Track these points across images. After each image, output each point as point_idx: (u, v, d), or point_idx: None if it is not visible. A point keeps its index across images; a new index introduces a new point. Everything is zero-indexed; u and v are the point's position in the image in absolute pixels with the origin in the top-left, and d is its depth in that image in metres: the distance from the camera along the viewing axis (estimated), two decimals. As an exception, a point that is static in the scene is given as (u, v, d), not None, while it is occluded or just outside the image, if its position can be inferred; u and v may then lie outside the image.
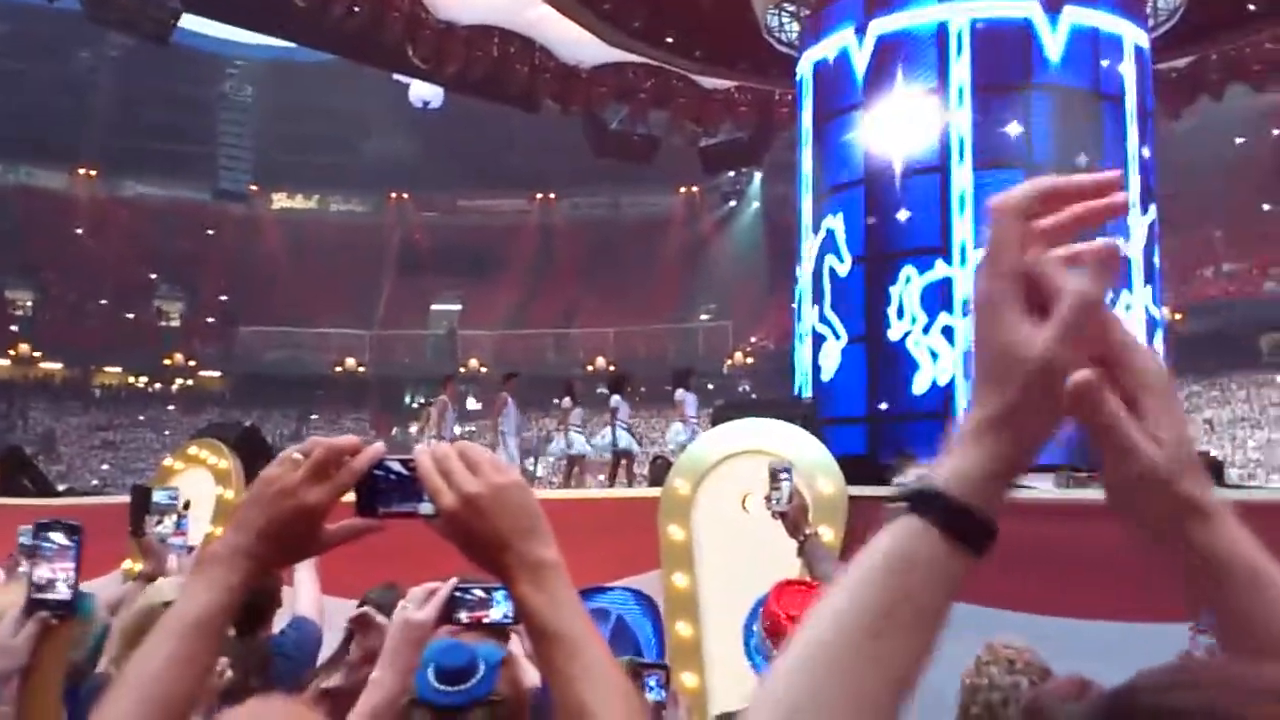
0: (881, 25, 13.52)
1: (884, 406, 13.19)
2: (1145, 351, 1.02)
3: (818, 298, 13.98)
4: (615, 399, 15.89)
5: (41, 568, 2.46)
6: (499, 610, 2.31)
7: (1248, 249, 43.23)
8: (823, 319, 13.88)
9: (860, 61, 13.60)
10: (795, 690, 0.92)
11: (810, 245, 14.11)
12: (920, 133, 13.32)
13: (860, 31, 13.62)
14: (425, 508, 1.36)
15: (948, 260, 12.95)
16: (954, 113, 13.23)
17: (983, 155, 13.10)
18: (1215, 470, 11.07)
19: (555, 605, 1.32)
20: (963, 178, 13.10)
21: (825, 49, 14.14)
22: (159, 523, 5.00)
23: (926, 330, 12.93)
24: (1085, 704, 2.53)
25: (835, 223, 13.67)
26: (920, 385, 12.95)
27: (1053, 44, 13.28)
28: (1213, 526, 1.01)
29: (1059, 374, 0.96)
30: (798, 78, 14.53)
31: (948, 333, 12.82)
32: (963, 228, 13.00)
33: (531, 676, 2.35)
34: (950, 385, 12.80)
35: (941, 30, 13.33)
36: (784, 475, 4.42)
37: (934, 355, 12.89)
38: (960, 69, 13.26)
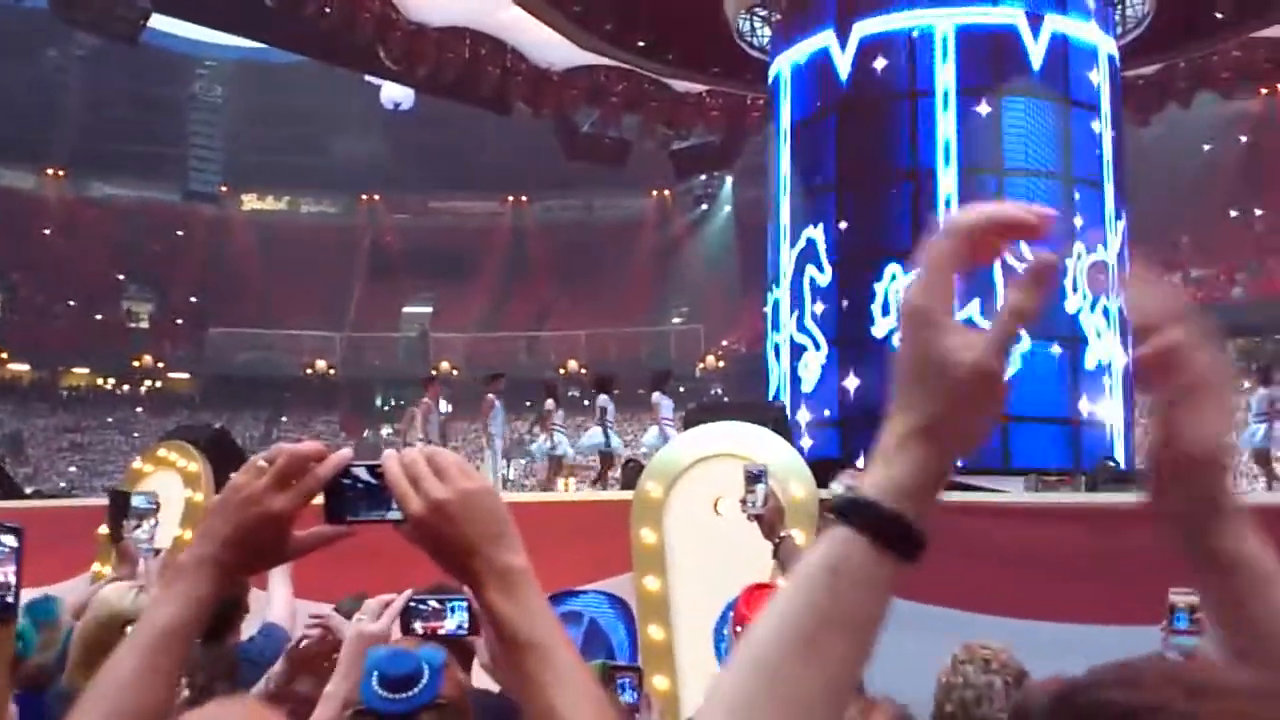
0: (862, 28, 13.52)
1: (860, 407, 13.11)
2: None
3: (797, 307, 13.93)
4: (603, 399, 15.83)
5: None
6: (453, 621, 2.31)
7: (1215, 255, 43.60)
8: (802, 328, 13.83)
9: (843, 65, 13.58)
10: (735, 692, 0.95)
11: (788, 256, 14.04)
12: (902, 136, 13.36)
13: (843, 35, 13.61)
14: (393, 514, 1.35)
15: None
16: (941, 117, 13.27)
17: (965, 160, 13.21)
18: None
19: (525, 612, 1.31)
20: (948, 182, 13.14)
21: (800, 52, 14.13)
22: (137, 527, 4.96)
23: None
24: (1038, 700, 2.55)
25: (815, 233, 13.64)
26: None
27: (1035, 51, 13.38)
28: (1229, 528, 1.06)
29: (989, 384, 0.98)
30: (773, 80, 14.52)
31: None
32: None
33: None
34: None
35: (925, 35, 13.38)
36: (759, 478, 4.44)
37: None
38: (945, 73, 13.29)
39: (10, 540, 2.43)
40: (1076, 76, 13.75)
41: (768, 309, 15.02)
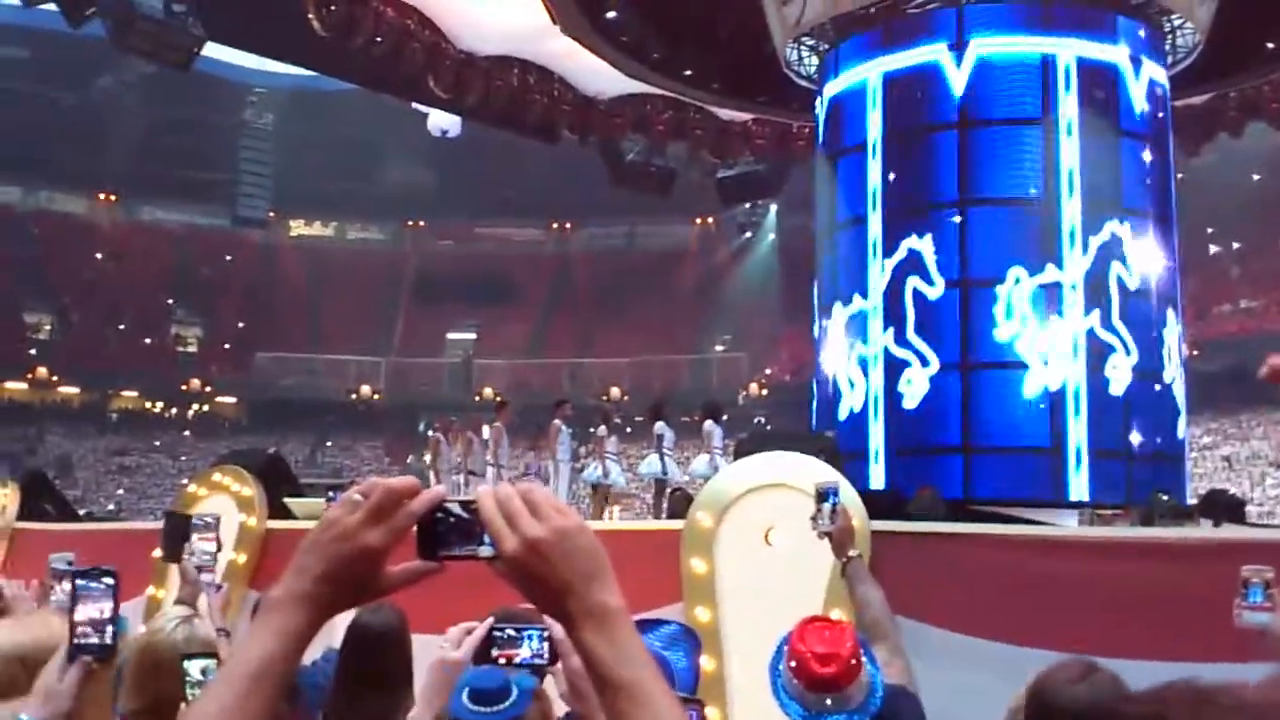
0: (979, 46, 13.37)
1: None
2: None
3: (894, 321, 13.45)
4: (660, 426, 15.82)
5: (82, 612, 2.49)
6: (527, 649, 2.32)
7: (1265, 285, 43.13)
8: (903, 342, 13.36)
9: (958, 81, 13.38)
10: None
11: (880, 265, 13.58)
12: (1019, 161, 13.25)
13: (959, 50, 13.39)
14: (485, 550, 1.35)
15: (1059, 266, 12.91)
16: (1064, 143, 13.21)
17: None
18: (1237, 509, 11.02)
19: (619, 652, 1.31)
20: (1071, 211, 13.08)
21: (900, 60, 13.84)
22: (200, 540, 5.01)
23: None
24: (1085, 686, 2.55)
25: (923, 245, 13.27)
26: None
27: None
28: None
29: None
30: (870, 89, 14.13)
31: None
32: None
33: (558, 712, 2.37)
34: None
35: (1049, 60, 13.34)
36: (830, 495, 4.45)
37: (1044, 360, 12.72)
38: (1069, 104, 13.23)
39: (108, 580, 2.50)
40: (1124, 106, 13.63)
41: (834, 322, 14.51)
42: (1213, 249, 44.41)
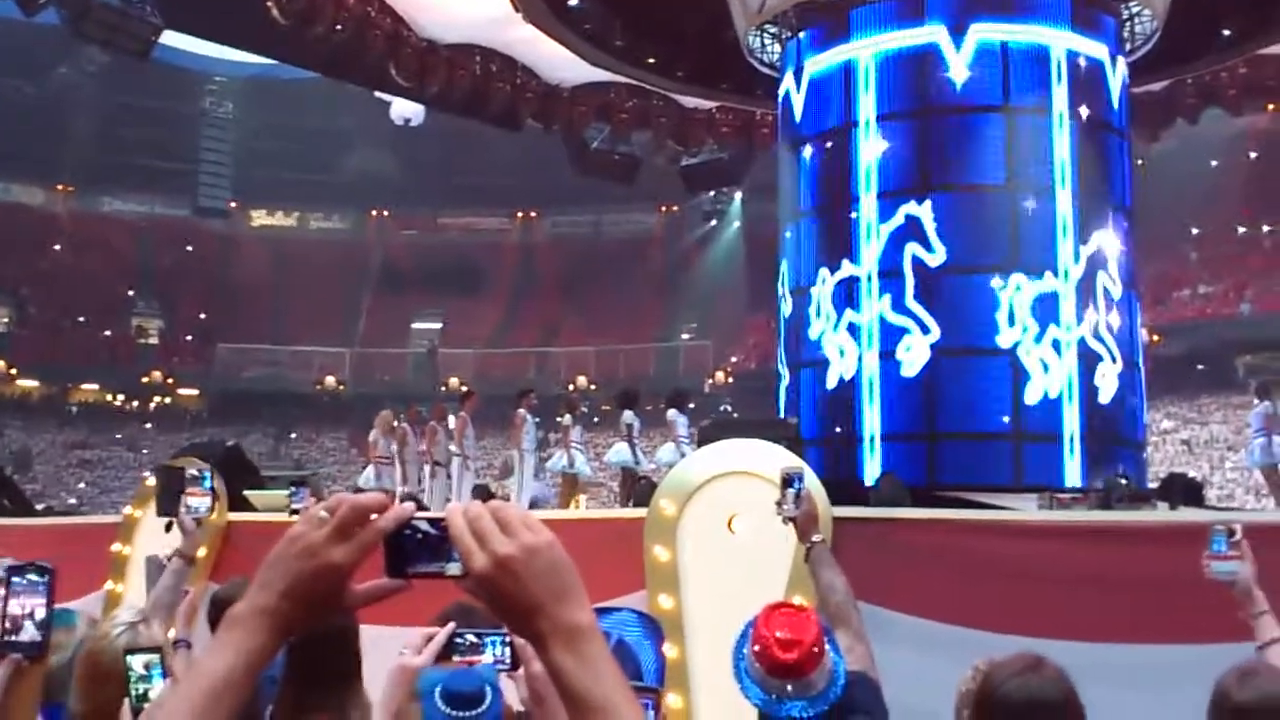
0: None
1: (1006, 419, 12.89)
2: None
3: (890, 288, 13.25)
4: (628, 414, 15.80)
5: (13, 607, 2.46)
6: (490, 655, 2.31)
7: (1224, 271, 43.58)
8: (901, 309, 13.14)
9: (958, 64, 13.34)
10: None
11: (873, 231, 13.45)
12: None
13: (959, 33, 13.35)
14: (453, 568, 1.33)
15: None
16: (1058, 136, 13.34)
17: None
18: (1195, 492, 11.14)
19: (590, 671, 1.29)
20: (1064, 203, 13.19)
21: (895, 40, 13.77)
22: (191, 496, 4.99)
23: (1038, 340, 12.86)
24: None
25: (922, 211, 13.12)
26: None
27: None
28: None
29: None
30: (874, 67, 13.95)
31: (1056, 346, 12.90)
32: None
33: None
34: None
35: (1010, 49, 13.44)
36: (795, 481, 4.46)
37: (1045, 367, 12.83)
38: (1059, 95, 13.40)
39: (41, 578, 2.46)
40: (1087, 93, 13.72)
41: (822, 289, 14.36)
42: (1172, 235, 44.83)
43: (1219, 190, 44.14)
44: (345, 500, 1.37)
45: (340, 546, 1.35)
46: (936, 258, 13.10)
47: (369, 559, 1.38)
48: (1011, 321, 12.82)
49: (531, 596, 1.30)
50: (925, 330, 13.03)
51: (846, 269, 13.67)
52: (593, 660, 1.30)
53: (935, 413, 13.06)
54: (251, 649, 1.34)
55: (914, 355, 13.06)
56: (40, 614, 2.48)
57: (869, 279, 13.49)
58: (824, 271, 13.95)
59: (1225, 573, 3.67)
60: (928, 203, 13.18)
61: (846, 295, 13.66)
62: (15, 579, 2.49)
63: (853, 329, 13.56)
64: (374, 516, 1.36)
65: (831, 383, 13.68)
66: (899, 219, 13.29)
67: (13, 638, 2.44)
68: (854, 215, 13.68)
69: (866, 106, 13.83)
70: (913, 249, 13.14)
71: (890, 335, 13.27)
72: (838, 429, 13.59)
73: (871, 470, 12.86)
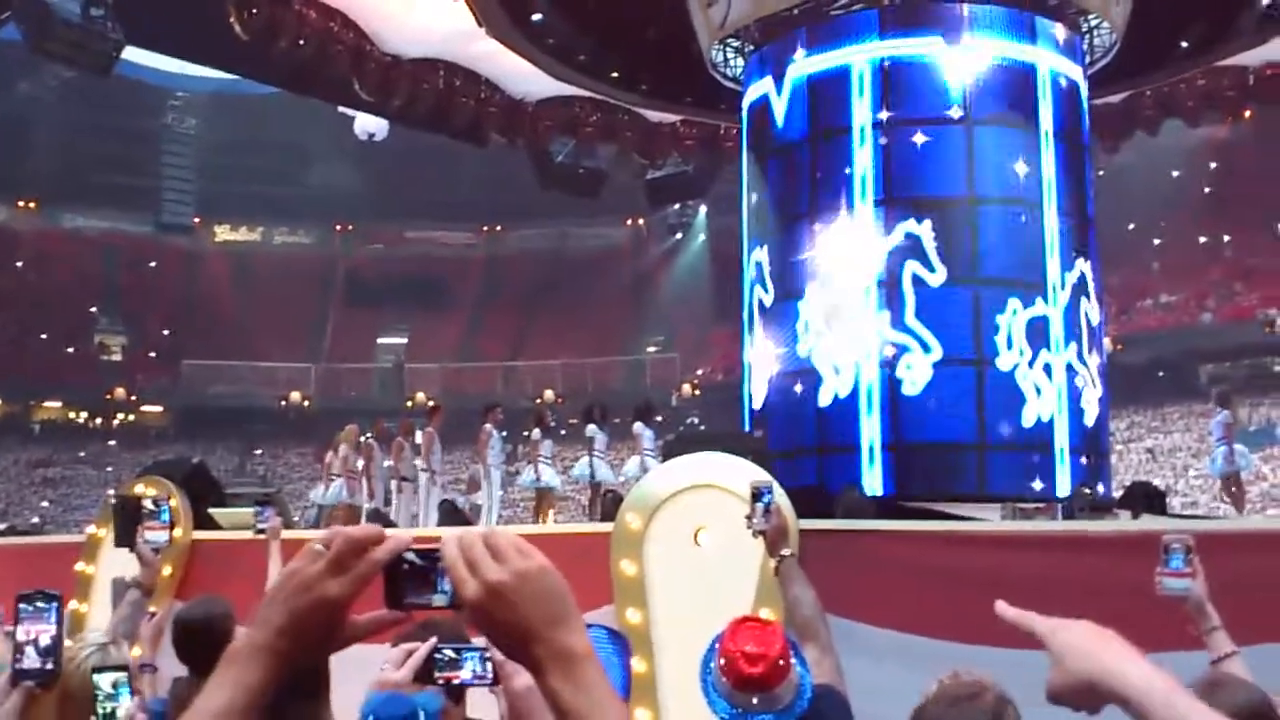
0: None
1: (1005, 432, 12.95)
2: None
3: (891, 304, 13.20)
4: (592, 428, 15.78)
5: (24, 635, 2.47)
6: (469, 670, 2.30)
7: (1185, 280, 44.02)
8: (902, 326, 13.10)
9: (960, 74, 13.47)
10: None
11: (878, 246, 13.38)
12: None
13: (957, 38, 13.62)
14: (439, 599, 1.34)
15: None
16: (1044, 152, 13.52)
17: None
18: (1158, 499, 11.23)
19: (587, 697, 1.29)
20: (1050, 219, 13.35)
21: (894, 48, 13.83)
22: (149, 530, 4.95)
23: (1031, 364, 13.00)
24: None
25: (921, 229, 13.11)
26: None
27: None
28: None
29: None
30: (857, 75, 13.89)
31: (1048, 369, 13.05)
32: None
33: None
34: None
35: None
36: (764, 495, 4.47)
37: (1038, 390, 12.95)
38: (1045, 115, 13.61)
39: (50, 605, 2.47)
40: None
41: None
42: (1133, 245, 45.27)
43: (1180, 201, 44.58)
44: (340, 533, 1.36)
45: (336, 580, 1.34)
46: (937, 277, 13.22)
47: (367, 590, 1.37)
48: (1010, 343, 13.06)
49: (525, 622, 1.29)
50: (926, 349, 13.07)
51: (841, 281, 13.71)
52: (589, 686, 1.30)
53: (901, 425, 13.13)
54: (250, 685, 1.33)
55: (915, 374, 13.12)
56: (48, 640, 2.49)
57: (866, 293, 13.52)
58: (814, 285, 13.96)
59: (1178, 589, 3.65)
60: (927, 221, 13.24)
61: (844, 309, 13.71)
62: (24, 606, 2.50)
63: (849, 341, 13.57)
64: (370, 549, 1.35)
65: (825, 400, 13.62)
66: (898, 236, 13.36)
67: (25, 665, 2.45)
68: (846, 225, 13.71)
69: (861, 112, 13.85)
70: (912, 267, 13.22)
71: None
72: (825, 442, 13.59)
73: (871, 483, 12.87)
